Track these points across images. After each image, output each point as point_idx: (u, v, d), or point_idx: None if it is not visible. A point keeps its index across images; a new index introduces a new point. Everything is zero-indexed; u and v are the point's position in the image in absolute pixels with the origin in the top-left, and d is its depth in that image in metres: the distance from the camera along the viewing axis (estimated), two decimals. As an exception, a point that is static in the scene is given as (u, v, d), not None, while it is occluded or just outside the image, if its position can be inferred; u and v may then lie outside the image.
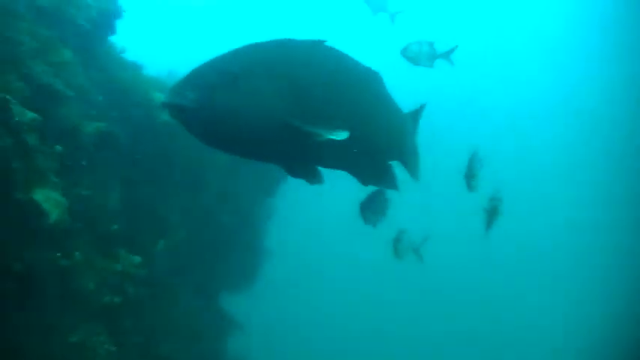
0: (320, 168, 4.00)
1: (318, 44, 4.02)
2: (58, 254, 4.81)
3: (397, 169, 4.37)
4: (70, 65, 5.58)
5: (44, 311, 4.89)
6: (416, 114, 4.84)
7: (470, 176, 5.35)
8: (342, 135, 3.57)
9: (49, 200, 4.71)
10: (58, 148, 4.83)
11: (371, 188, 4.77)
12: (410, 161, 4.65)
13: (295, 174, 4.03)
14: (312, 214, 17.62)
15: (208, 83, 3.45)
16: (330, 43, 4.03)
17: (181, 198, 7.14)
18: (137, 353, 6.15)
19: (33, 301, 4.70)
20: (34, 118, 4.47)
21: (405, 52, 6.22)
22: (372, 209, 5.22)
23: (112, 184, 5.59)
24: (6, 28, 4.80)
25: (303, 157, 3.87)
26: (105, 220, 5.54)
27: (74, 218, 4.93)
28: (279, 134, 3.62)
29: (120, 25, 6.73)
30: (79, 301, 5.27)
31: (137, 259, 5.93)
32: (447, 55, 6.39)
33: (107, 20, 6.38)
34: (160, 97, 3.43)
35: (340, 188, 5.50)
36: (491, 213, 5.57)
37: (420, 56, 6.21)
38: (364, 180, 4.36)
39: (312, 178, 4.06)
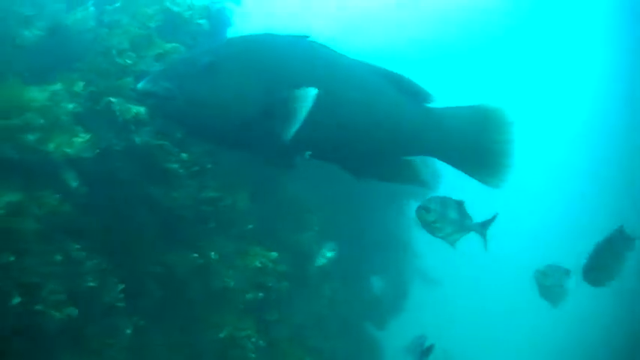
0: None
1: (300, 39, 3.93)
2: (195, 255, 4.93)
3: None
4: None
5: (190, 311, 5.05)
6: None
7: None
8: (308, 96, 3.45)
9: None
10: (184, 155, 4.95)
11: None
12: (456, 161, 4.40)
13: (273, 163, 4.23)
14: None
15: (181, 73, 3.54)
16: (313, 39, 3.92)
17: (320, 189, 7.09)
18: (286, 346, 6.18)
19: (178, 302, 4.85)
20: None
21: (420, 215, 4.58)
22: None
23: (241, 184, 5.66)
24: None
25: (280, 147, 3.73)
26: (238, 219, 5.61)
27: (206, 219, 5.04)
28: (257, 122, 3.59)
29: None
30: (223, 298, 5.40)
31: (274, 254, 5.98)
32: (482, 227, 4.68)
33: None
34: (139, 84, 3.42)
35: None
36: None
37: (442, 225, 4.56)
38: (359, 174, 4.25)
39: (289, 168, 4.13)
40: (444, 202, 4.46)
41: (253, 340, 5.52)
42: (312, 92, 3.46)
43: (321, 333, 6.94)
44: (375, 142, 4.09)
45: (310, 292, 6.86)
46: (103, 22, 4.67)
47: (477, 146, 4.39)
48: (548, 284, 5.27)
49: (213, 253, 5.16)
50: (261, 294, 5.82)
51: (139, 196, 4.52)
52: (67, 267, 3.81)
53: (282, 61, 3.79)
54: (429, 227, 4.44)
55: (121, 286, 4.19)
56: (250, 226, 5.97)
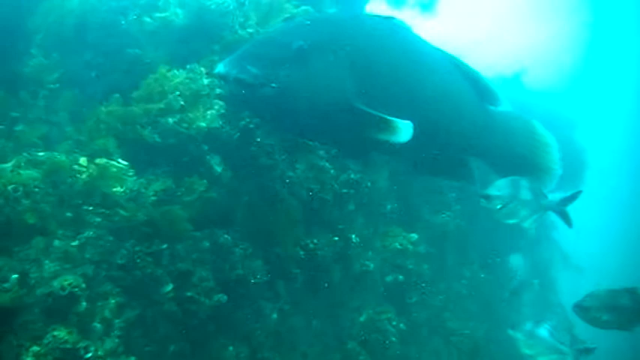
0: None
1: (388, 20, 3.50)
2: (336, 238, 4.76)
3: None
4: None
5: (332, 295, 4.91)
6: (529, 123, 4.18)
7: None
8: (405, 131, 3.07)
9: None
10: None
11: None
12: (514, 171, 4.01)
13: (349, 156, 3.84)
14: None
15: (273, 57, 3.07)
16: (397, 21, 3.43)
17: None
18: (427, 329, 5.92)
19: (319, 286, 4.72)
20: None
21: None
22: None
23: (380, 165, 5.42)
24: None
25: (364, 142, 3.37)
26: (377, 200, 5.39)
27: (345, 201, 4.85)
28: (344, 116, 3.15)
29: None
30: (363, 281, 5.22)
31: (414, 236, 5.72)
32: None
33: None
34: (220, 67, 3.02)
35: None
36: None
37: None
38: (423, 170, 3.96)
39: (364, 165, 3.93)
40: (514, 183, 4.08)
41: (394, 323, 5.31)
42: (408, 129, 3.11)
43: (462, 314, 6.60)
44: (443, 136, 3.70)
45: (449, 273, 6.55)
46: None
47: (521, 158, 4.20)
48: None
49: (354, 236, 4.97)
50: (401, 276, 5.61)
51: (280, 180, 4.39)
52: (215, 254, 3.74)
53: (372, 49, 3.38)
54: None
55: (267, 272, 4.10)
56: (389, 207, 5.75)
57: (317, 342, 4.77)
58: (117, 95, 3.92)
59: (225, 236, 3.82)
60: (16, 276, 3.03)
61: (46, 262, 3.12)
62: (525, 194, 4.04)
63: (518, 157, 4.15)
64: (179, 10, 4.28)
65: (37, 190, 3.24)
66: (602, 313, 3.99)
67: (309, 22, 3.36)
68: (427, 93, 3.49)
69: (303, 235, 4.58)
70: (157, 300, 3.37)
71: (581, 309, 4.07)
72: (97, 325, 3.09)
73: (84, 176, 3.40)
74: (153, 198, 3.45)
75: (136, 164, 3.64)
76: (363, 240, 5.17)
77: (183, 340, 3.52)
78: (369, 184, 5.09)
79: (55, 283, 3.02)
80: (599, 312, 4.00)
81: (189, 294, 3.49)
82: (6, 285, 2.99)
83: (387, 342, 5.24)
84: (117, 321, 3.18)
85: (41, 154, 3.45)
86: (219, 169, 3.98)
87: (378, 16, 3.69)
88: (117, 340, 3.10)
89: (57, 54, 4.19)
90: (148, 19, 4.18)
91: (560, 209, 4.23)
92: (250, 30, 4.31)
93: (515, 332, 4.57)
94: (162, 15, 4.21)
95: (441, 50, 3.86)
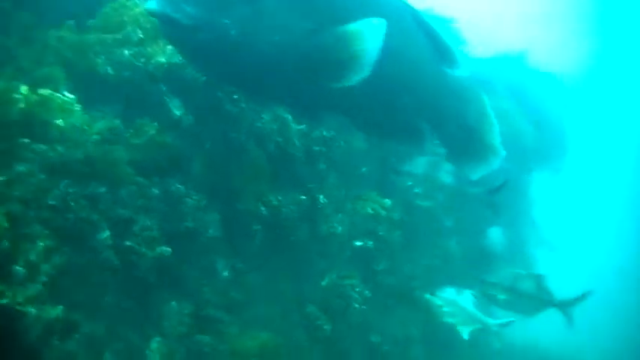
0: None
1: None
2: (303, 197, 4.47)
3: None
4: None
5: (294, 256, 4.65)
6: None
7: None
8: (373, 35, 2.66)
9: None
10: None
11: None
12: (457, 144, 3.69)
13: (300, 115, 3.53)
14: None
15: None
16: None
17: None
18: (393, 298, 5.69)
19: (281, 246, 4.45)
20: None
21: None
22: None
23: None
24: None
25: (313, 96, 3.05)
26: (351, 162, 5.09)
27: (316, 160, 4.55)
28: (296, 63, 2.75)
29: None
30: (329, 244, 4.95)
31: (388, 201, 5.44)
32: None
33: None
34: (151, 2, 2.59)
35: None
36: None
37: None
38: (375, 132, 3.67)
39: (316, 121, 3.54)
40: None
41: (358, 289, 5.06)
42: (379, 27, 2.72)
43: (431, 286, 6.37)
44: (396, 93, 3.33)
45: (422, 243, 6.29)
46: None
47: (470, 131, 3.80)
48: None
49: (322, 196, 4.68)
50: (370, 242, 5.35)
51: (247, 131, 4.07)
52: (164, 203, 3.44)
53: None
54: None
55: (223, 227, 3.81)
56: (365, 169, 5.46)
57: (274, 303, 4.51)
58: (71, 22, 3.55)
59: (177, 185, 3.50)
60: None
61: (-34, 195, 2.81)
62: (445, 177, 3.71)
63: (467, 129, 3.80)
64: None
65: (-36, 116, 2.91)
66: (501, 292, 3.84)
67: None
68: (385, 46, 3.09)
69: (268, 191, 4.28)
70: (93, 247, 3.07)
71: (483, 284, 3.90)
72: (19, 269, 2.78)
73: (21, 105, 3.06)
74: (96, 137, 3.12)
75: (84, 99, 3.30)
76: (333, 201, 4.90)
77: (120, 292, 3.24)
78: (342, 143, 4.78)
79: (-29, 219, 2.71)
80: (498, 290, 3.85)
81: (128, 243, 3.20)
82: None
83: (350, 308, 5.00)
84: (44, 266, 2.88)
85: (-25, 78, 3.11)
86: (178, 112, 3.65)
87: None
88: (40, 287, 2.80)
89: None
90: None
91: (489, 200, 3.87)
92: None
93: (435, 298, 4.38)
94: None
95: (404, 2, 3.49)
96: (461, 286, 4.47)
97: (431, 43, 3.45)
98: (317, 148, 4.57)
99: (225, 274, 3.85)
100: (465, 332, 4.35)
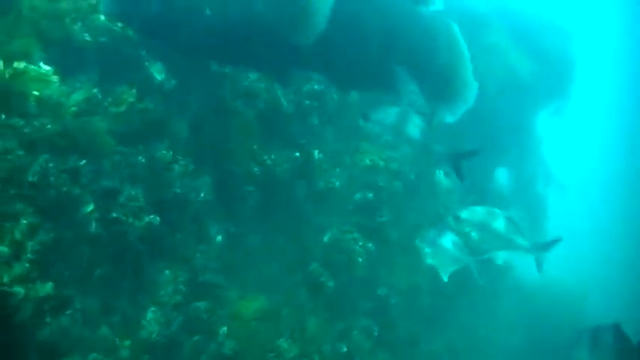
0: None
1: None
2: (297, 154, 4.37)
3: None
4: None
5: (292, 214, 4.57)
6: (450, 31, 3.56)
7: None
8: None
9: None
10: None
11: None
12: (431, 83, 3.46)
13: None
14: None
15: None
16: None
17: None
18: (399, 249, 5.62)
19: (278, 205, 4.37)
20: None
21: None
22: None
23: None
24: None
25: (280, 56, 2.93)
26: (348, 114, 4.94)
27: (308, 114, 4.42)
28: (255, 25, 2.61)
29: None
30: (328, 199, 4.86)
31: (387, 152, 5.32)
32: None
33: None
34: None
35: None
36: None
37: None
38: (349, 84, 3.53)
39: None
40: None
41: (360, 243, 4.99)
42: None
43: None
44: (364, 33, 3.14)
45: (425, 190, 6.18)
46: None
47: (441, 67, 3.61)
48: None
49: (316, 152, 4.57)
50: (370, 194, 5.25)
51: (234, 90, 3.94)
52: (150, 170, 3.35)
53: None
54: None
55: (214, 190, 3.73)
56: (361, 122, 5.31)
57: (274, 264, 4.46)
58: (44, -10, 3.40)
59: (163, 151, 3.40)
60: None
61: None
62: (413, 131, 3.51)
63: (439, 66, 3.61)
64: None
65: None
66: (473, 229, 3.71)
67: None
68: None
69: (260, 150, 4.18)
70: (78, 221, 3.00)
71: (454, 219, 3.77)
72: (3, 249, 2.73)
73: (-4, 81, 2.95)
74: (73, 109, 3.02)
75: (61, 69, 3.18)
76: (329, 156, 4.78)
77: (110, 264, 3.18)
78: (334, 96, 4.63)
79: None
80: (470, 227, 3.72)
81: (114, 215, 3.12)
82: None
83: (353, 262, 4.94)
84: (30, 243, 2.83)
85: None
86: (159, 76, 3.52)
87: None
88: (27, 265, 2.76)
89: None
90: None
91: (454, 163, 3.67)
92: None
93: (422, 243, 4.28)
94: None
95: None
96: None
97: None
98: (308, 103, 4.43)
99: (219, 238, 3.79)
100: (444, 274, 4.26)
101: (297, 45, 2.53)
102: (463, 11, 6.60)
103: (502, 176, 8.64)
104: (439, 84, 3.53)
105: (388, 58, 3.22)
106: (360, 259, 4.94)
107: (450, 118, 3.63)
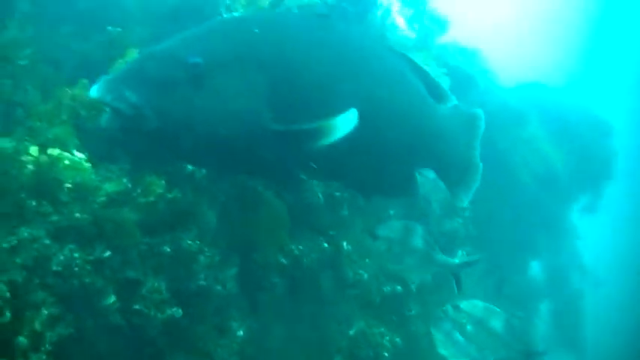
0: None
1: (307, 15, 3.08)
2: (325, 244, 4.30)
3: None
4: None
5: (318, 306, 4.46)
6: (473, 119, 3.44)
7: None
8: (347, 122, 2.39)
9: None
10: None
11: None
12: (453, 174, 3.36)
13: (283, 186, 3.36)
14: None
15: (157, 79, 2.39)
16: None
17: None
18: (425, 344, 5.42)
19: (304, 296, 4.27)
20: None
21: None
22: None
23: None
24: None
25: (291, 166, 2.92)
26: (375, 206, 4.90)
27: (338, 206, 4.38)
28: (261, 142, 2.51)
29: None
30: (355, 291, 4.75)
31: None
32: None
33: None
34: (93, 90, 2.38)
35: None
36: None
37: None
38: (367, 192, 3.42)
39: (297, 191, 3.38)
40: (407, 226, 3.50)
41: (387, 338, 4.83)
42: (350, 119, 2.44)
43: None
44: (396, 149, 3.09)
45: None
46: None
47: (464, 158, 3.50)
48: None
49: (345, 243, 4.50)
50: (399, 287, 5.13)
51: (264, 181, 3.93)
52: (176, 261, 3.31)
53: (296, 58, 2.69)
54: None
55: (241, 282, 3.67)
56: (392, 212, 5.26)
57: (299, 356, 4.32)
58: (85, 81, 3.49)
59: (189, 242, 3.36)
60: None
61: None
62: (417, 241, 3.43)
63: (459, 158, 3.53)
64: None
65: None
66: (470, 322, 3.58)
67: (207, 30, 2.69)
68: (370, 100, 2.86)
69: (288, 240, 4.12)
70: (99, 312, 2.94)
71: (453, 308, 3.63)
72: (22, 340, 2.68)
73: (30, 167, 2.99)
74: (102, 198, 3.02)
75: (94, 157, 3.22)
76: (357, 247, 4.70)
77: (130, 358, 3.10)
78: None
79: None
80: (467, 319, 3.59)
81: (136, 307, 3.06)
82: None
83: (379, 357, 4.78)
84: (49, 334, 2.77)
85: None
86: (190, 166, 3.54)
87: (311, 16, 3.14)
88: (44, 357, 2.68)
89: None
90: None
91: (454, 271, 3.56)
92: (236, 15, 3.83)
93: (436, 332, 4.13)
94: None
95: (391, 50, 3.31)
96: None
97: (423, 85, 3.25)
98: (339, 194, 4.40)
99: (241, 333, 3.68)
100: None
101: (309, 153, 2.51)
102: (502, 106, 6.69)
103: (535, 270, 8.45)
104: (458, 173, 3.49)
105: (408, 160, 3.19)
106: (387, 354, 4.79)
107: (463, 203, 3.54)
